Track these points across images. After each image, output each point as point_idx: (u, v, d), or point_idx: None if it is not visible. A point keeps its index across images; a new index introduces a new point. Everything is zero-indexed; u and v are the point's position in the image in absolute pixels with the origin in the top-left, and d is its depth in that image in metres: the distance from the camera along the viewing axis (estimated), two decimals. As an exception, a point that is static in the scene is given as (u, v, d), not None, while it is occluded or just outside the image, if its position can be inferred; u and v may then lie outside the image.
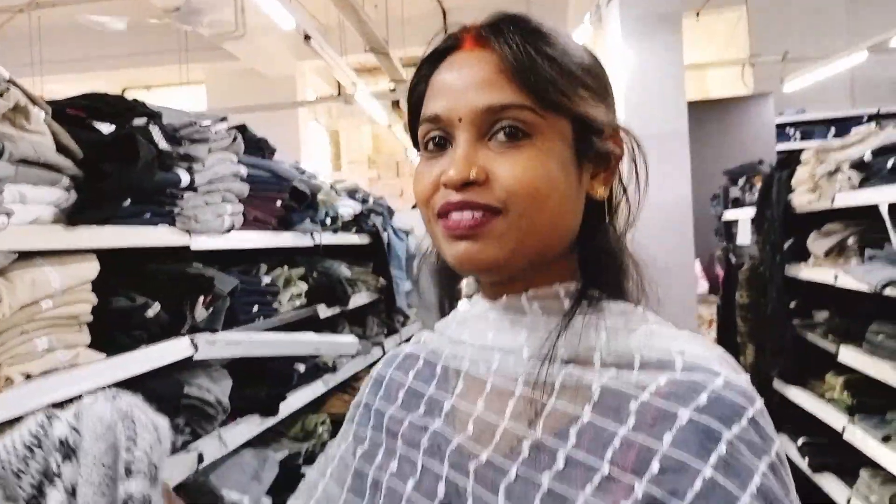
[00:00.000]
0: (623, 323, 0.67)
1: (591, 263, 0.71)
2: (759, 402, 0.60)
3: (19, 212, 1.36)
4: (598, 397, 0.63)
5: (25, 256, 1.42)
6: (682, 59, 4.51)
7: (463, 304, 0.80)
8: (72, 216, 1.53)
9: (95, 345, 1.60)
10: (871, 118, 6.61)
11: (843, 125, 6.37)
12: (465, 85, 0.66)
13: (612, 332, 0.66)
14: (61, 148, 1.49)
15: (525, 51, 0.64)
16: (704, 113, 6.14)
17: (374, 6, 6.72)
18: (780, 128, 6.55)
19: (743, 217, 4.08)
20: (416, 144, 0.73)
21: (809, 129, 6.65)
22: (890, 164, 2.42)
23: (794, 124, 6.66)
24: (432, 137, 0.68)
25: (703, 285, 5.99)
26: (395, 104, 8.75)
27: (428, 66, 0.71)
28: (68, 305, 1.51)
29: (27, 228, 1.40)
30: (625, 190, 0.75)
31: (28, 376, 1.40)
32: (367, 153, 10.57)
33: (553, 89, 0.64)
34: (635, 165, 0.74)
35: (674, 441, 0.57)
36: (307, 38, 4.13)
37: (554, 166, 0.65)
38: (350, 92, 6.29)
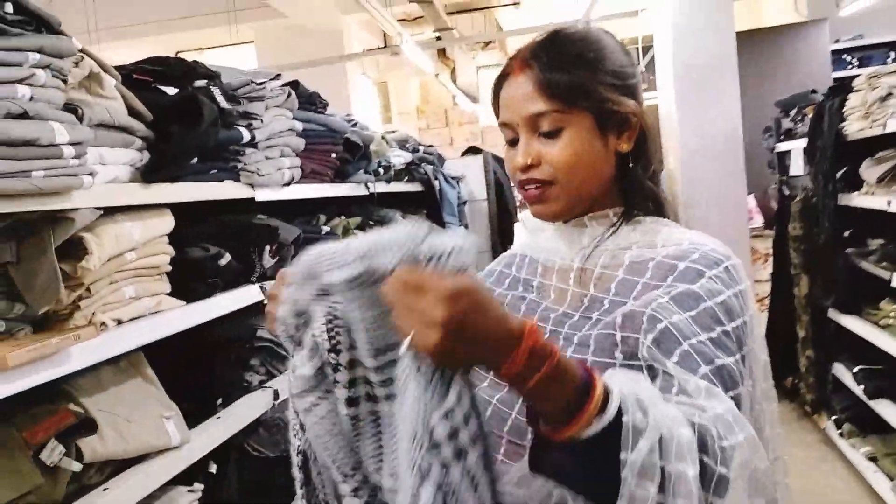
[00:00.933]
0: (653, 228, 1.01)
1: (628, 196, 1.04)
2: (735, 260, 0.95)
3: (100, 172, 1.48)
4: (628, 263, 0.98)
5: (108, 213, 1.55)
6: (729, -14, 4.41)
7: (520, 231, 1.22)
8: (145, 174, 1.66)
9: (175, 293, 1.74)
10: (933, 39, 6.35)
11: (903, 49, 6.15)
12: (517, 99, 0.99)
13: (643, 232, 1.01)
14: (132, 112, 1.61)
15: (551, 67, 0.96)
16: (756, 42, 5.98)
17: (415, -46, 6.68)
18: (837, 55, 6.33)
19: (795, 148, 4.04)
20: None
21: (868, 55, 6.40)
22: (942, 85, 2.39)
23: (851, 50, 6.42)
24: (508, 136, 1.03)
25: (759, 220, 5.92)
26: (442, 52, 8.73)
27: (495, 89, 1.05)
28: (149, 257, 1.65)
29: (108, 187, 1.53)
30: (646, 140, 1.04)
31: (119, 322, 1.55)
32: (416, 104, 10.59)
33: (572, 91, 0.96)
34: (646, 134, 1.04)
35: (673, 279, 0.92)
36: (351, -9, 4.17)
37: (582, 145, 0.97)
38: (396, 43, 6.31)
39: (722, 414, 0.76)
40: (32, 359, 1.21)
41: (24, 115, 1.21)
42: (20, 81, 1.23)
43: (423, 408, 0.68)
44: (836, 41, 6.39)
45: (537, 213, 1.03)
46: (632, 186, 1.03)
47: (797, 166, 4.04)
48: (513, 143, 1.02)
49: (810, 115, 3.71)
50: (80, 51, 1.47)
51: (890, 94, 2.78)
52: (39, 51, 1.26)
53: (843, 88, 3.37)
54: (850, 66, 6.45)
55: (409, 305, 0.66)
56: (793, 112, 4.18)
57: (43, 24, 1.29)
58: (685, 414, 0.73)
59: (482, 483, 0.70)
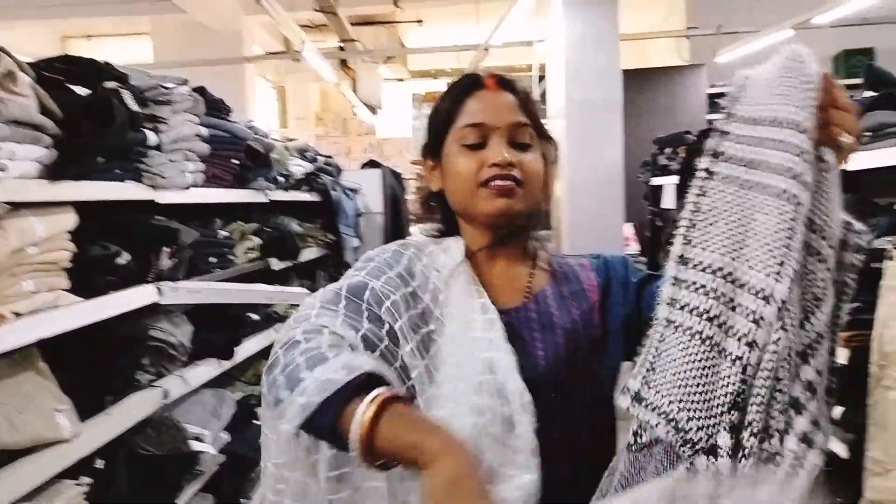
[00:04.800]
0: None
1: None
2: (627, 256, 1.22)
3: (10, 167, 1.51)
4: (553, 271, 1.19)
5: (14, 207, 1.57)
6: (617, 30, 4.74)
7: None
8: (52, 172, 1.68)
9: (74, 289, 1.76)
10: (796, 91, 6.99)
11: (770, 97, 6.72)
12: (500, 108, 1.11)
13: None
14: (44, 110, 1.63)
15: (526, 98, 1.14)
16: (641, 81, 6.41)
17: (323, -36, 6.74)
18: (712, 98, 6.87)
19: (668, 183, 4.38)
20: (432, 149, 1.17)
21: (739, 101, 6.97)
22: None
23: (725, 95, 6.97)
24: (474, 139, 1.10)
25: (634, 247, 6.32)
26: (343, 62, 8.80)
27: (453, 97, 1.14)
28: (50, 252, 1.67)
29: (16, 182, 1.55)
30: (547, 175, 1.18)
31: (17, 315, 1.57)
32: (315, 110, 10.59)
33: (541, 126, 1.15)
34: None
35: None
36: (258, -2, 4.21)
37: (541, 164, 1.13)
38: (297, 49, 6.34)
39: None
40: (-66, 348, 1.23)
41: (-59, 110, 1.24)
42: (-62, 76, 1.25)
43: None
44: (713, 86, 6.93)
45: (502, 207, 1.08)
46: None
47: (669, 199, 4.39)
48: (476, 146, 1.10)
49: (683, 155, 4.05)
50: (-2, 48, 1.49)
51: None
52: (-42, 48, 1.29)
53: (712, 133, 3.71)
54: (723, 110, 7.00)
55: None
56: (668, 150, 4.53)
57: (-36, 20, 1.32)
58: None
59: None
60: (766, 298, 0.77)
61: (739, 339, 0.78)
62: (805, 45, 0.89)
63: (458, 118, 1.12)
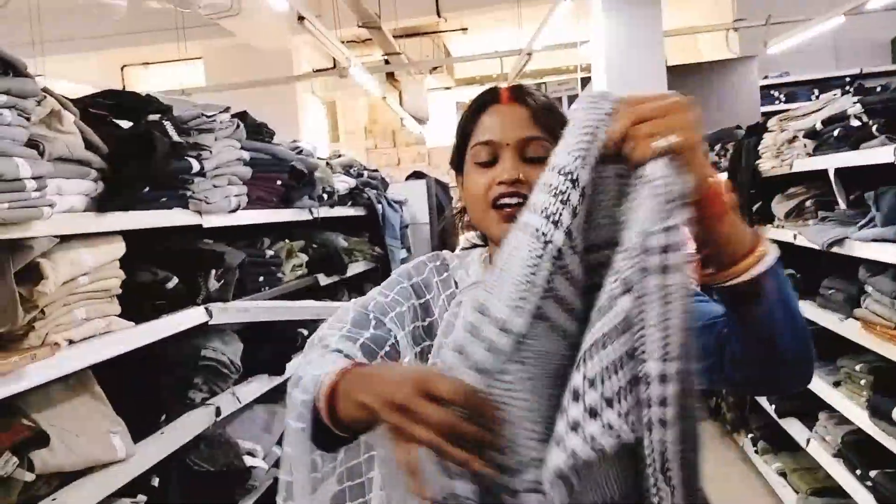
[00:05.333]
0: None
1: None
2: None
3: (58, 202, 1.59)
4: None
5: (64, 240, 1.65)
6: (660, 27, 4.69)
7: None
8: (100, 204, 1.77)
9: (124, 314, 1.84)
10: (853, 78, 6.78)
11: (826, 86, 6.52)
12: (510, 123, 1.08)
13: None
14: (89, 145, 1.72)
15: (542, 108, 1.09)
16: (690, 77, 6.31)
17: (365, -21, 6.85)
18: (766, 90, 6.72)
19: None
20: (457, 162, 1.16)
21: (793, 91, 6.81)
22: (836, 133, 2.64)
23: (778, 86, 6.81)
24: (485, 156, 1.09)
25: (692, 247, 6.21)
26: (390, 75, 8.90)
27: (470, 113, 1.13)
28: (101, 280, 1.75)
29: (64, 216, 1.64)
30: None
31: (71, 342, 1.65)
32: (364, 123, 10.74)
33: (556, 131, 1.02)
34: None
35: None
36: (301, 18, 4.31)
37: None
38: (344, 66, 6.46)
39: None
40: (-8, 377, 1.31)
41: (-10, 153, 1.32)
42: (-13, 121, 1.34)
43: (646, 218, 0.76)
44: (765, 77, 6.78)
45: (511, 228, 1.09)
46: None
47: (720, 198, 4.30)
48: (488, 164, 1.09)
49: (731, 151, 3.97)
50: (43, 90, 1.58)
51: (796, 137, 3.04)
52: (6, 93, 1.37)
53: (759, 128, 3.64)
54: (777, 101, 6.84)
55: None
56: (717, 147, 4.45)
57: (10, 67, 1.40)
58: None
59: (674, 306, 0.74)
60: (504, 330, 0.80)
61: (471, 367, 0.80)
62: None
63: (473, 135, 1.12)
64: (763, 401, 3.71)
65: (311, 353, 1.02)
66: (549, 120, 1.09)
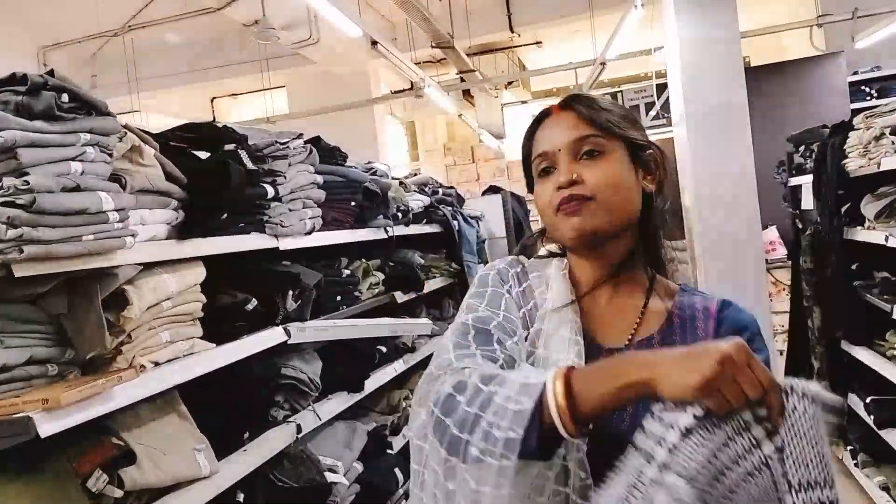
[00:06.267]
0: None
1: (647, 237, 1.16)
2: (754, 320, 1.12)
3: (141, 232, 1.69)
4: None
5: (148, 267, 1.75)
6: (736, 28, 4.56)
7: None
8: (181, 231, 1.86)
9: (206, 336, 1.93)
10: (949, 69, 6.40)
11: (921, 78, 6.21)
12: (559, 130, 1.12)
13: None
14: (169, 176, 1.82)
15: (589, 108, 1.12)
16: (772, 77, 6.10)
17: (438, 0, 6.95)
18: (856, 86, 6.41)
19: (805, 183, 4.14)
20: (528, 180, 1.20)
21: (886, 86, 6.48)
22: (926, 128, 2.51)
23: (869, 81, 6.50)
24: (544, 167, 1.13)
25: (781, 251, 5.98)
26: (466, 93, 8.97)
27: (528, 133, 1.18)
28: (183, 304, 1.84)
29: (147, 245, 1.73)
30: (661, 186, 1.17)
31: (156, 364, 1.74)
32: (443, 141, 10.85)
33: (610, 125, 1.11)
34: (664, 170, 1.17)
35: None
36: (374, 43, 4.42)
37: (619, 168, 1.10)
38: (420, 86, 6.58)
39: None
40: (83, 398, 1.40)
41: (76, 188, 1.42)
42: (73, 159, 1.44)
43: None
44: (854, 73, 6.48)
45: (575, 226, 1.07)
46: (651, 227, 1.16)
47: (807, 201, 4.14)
48: (547, 172, 1.12)
49: (816, 152, 3.82)
50: (124, 126, 1.68)
51: (883, 134, 2.90)
52: (89, 132, 1.47)
53: (845, 126, 3.49)
54: (868, 98, 6.52)
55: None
56: (802, 147, 4.29)
57: (92, 108, 1.50)
58: None
59: None
60: None
61: None
62: None
63: (532, 151, 1.16)
64: (861, 410, 3.53)
65: (451, 377, 0.96)
66: (601, 116, 1.11)
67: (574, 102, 1.14)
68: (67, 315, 1.54)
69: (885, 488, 3.31)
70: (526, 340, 1.09)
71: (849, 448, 3.77)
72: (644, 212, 1.14)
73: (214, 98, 9.73)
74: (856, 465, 3.65)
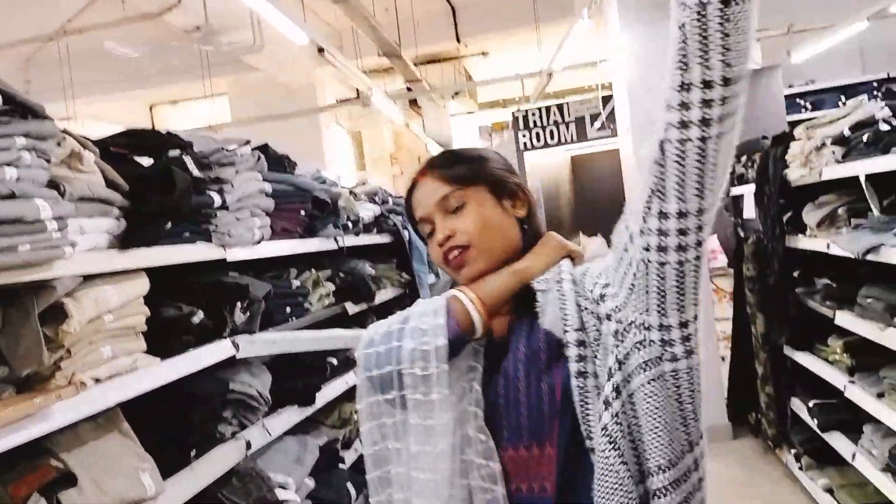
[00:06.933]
0: None
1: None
2: None
3: (80, 241, 1.60)
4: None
5: (88, 278, 1.66)
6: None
7: None
8: (123, 241, 1.78)
9: (151, 350, 1.85)
10: (880, 83, 6.66)
11: (853, 92, 6.41)
12: (426, 195, 1.24)
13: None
14: (110, 183, 1.73)
15: (443, 167, 1.24)
16: (713, 90, 6.24)
17: (384, 10, 6.93)
18: (791, 99, 6.61)
19: (747, 192, 4.23)
20: (422, 240, 1.30)
21: (820, 99, 6.70)
22: (865, 138, 2.59)
23: (804, 94, 6.71)
24: (427, 230, 1.25)
25: (722, 259, 6.11)
26: (413, 102, 8.95)
27: (407, 199, 1.29)
28: (126, 318, 1.76)
29: (87, 255, 1.65)
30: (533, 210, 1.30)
31: (97, 380, 1.65)
32: (389, 151, 10.80)
33: (464, 176, 1.23)
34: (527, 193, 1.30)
35: None
36: (321, 50, 4.36)
37: (484, 210, 1.21)
38: (367, 95, 6.52)
39: None
40: (17, 418, 1.32)
41: (11, 196, 1.33)
42: (8, 164, 1.35)
43: None
44: (790, 86, 6.69)
45: (465, 276, 1.20)
46: (530, 244, 1.27)
47: (749, 210, 4.24)
48: (431, 233, 1.24)
49: (758, 162, 3.91)
50: (63, 131, 1.60)
51: (824, 144, 2.98)
52: (26, 135, 1.39)
53: (786, 137, 3.58)
54: (803, 110, 6.73)
55: None
56: (743, 158, 4.39)
57: (28, 111, 1.42)
58: None
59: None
60: None
61: None
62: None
63: (415, 216, 1.28)
64: (805, 415, 3.61)
65: (360, 349, 1.19)
66: (455, 171, 1.23)
67: (431, 167, 1.26)
68: (2, 330, 1.45)
69: (829, 490, 3.39)
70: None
71: (793, 451, 3.85)
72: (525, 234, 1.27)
73: (153, 105, 9.49)
74: (800, 468, 3.73)
